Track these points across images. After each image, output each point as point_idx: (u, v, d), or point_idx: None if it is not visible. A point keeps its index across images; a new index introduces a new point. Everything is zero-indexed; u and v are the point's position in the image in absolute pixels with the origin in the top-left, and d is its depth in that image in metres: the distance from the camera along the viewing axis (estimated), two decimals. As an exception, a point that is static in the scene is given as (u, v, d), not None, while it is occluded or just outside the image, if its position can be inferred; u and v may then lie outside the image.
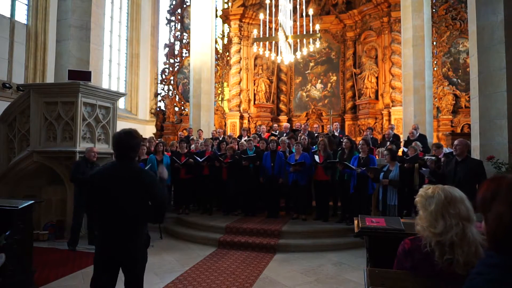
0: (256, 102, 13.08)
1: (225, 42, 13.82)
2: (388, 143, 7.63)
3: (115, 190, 2.27)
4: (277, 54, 7.60)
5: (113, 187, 2.27)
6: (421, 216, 1.62)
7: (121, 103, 14.13)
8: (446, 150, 6.33)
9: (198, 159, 7.06)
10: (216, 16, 13.19)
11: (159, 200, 2.37)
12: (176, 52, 14.54)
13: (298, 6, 8.07)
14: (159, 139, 9.05)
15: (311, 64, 13.24)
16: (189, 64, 12.60)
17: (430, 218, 1.57)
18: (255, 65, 13.24)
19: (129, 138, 2.35)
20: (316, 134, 8.72)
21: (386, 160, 5.33)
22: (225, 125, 13.10)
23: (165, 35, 15.37)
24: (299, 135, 8.01)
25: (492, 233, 1.00)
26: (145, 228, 2.41)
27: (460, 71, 11.60)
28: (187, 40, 14.00)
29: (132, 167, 2.36)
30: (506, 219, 0.96)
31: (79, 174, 5.33)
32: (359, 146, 6.04)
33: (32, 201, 3.84)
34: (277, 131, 9.52)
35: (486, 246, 1.48)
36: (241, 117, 12.88)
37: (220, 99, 13.86)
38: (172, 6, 14.76)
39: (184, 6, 14.59)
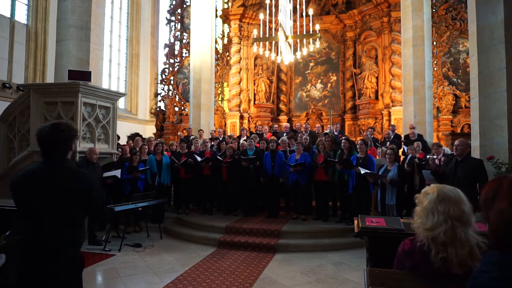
0: (256, 102, 13.08)
1: (225, 42, 13.82)
2: (388, 143, 7.63)
3: (40, 197, 1.83)
4: (277, 54, 7.59)
5: (37, 193, 1.84)
6: (417, 211, 1.68)
7: (121, 103, 14.14)
8: (446, 150, 6.33)
9: (198, 158, 7.06)
10: (216, 16, 13.19)
11: (96, 205, 1.97)
12: (176, 52, 14.54)
13: (298, 6, 8.07)
14: (159, 139, 9.05)
15: (311, 64, 13.24)
16: (189, 64, 12.60)
17: (422, 214, 1.64)
18: (255, 65, 13.24)
19: (54, 133, 1.90)
20: (317, 133, 8.74)
21: (389, 160, 5.33)
22: (225, 125, 13.10)
23: (165, 35, 15.38)
24: (299, 135, 8.01)
25: (494, 230, 1.01)
26: (77, 246, 1.94)
27: (460, 71, 11.60)
28: (187, 40, 14.00)
29: (61, 168, 1.91)
30: (507, 216, 0.97)
31: None
32: (358, 146, 6.04)
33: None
34: (278, 131, 9.53)
35: (484, 248, 1.51)
36: (241, 117, 12.87)
37: (220, 99, 13.86)
38: (172, 6, 14.76)
39: (184, 6, 14.59)
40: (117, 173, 6.05)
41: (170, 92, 14.48)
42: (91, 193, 1.92)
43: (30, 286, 1.81)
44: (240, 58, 13.08)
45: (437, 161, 5.65)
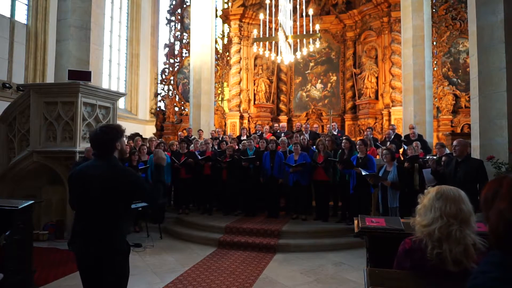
0: (256, 102, 13.08)
1: (225, 42, 13.81)
2: (388, 143, 7.63)
3: (93, 190, 2.11)
4: (277, 54, 7.59)
5: (92, 187, 2.12)
6: (418, 210, 1.71)
7: (121, 103, 14.14)
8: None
9: (198, 156, 7.06)
10: (216, 16, 13.19)
11: (149, 199, 2.26)
12: (176, 52, 14.53)
13: (298, 6, 8.07)
14: (159, 139, 9.05)
15: (311, 64, 13.23)
16: (189, 64, 12.60)
17: (421, 212, 1.67)
18: (255, 65, 13.23)
19: (103, 134, 2.19)
20: (318, 133, 8.74)
21: (386, 160, 5.32)
22: (225, 125, 13.10)
23: (165, 35, 15.38)
24: (298, 135, 8.00)
25: (494, 230, 1.01)
26: (124, 235, 2.21)
27: (460, 71, 11.59)
28: (187, 40, 13.99)
29: (113, 165, 2.18)
30: (507, 216, 0.97)
31: None
32: (357, 146, 6.03)
33: (32, 201, 3.84)
34: (278, 131, 9.53)
35: (482, 249, 1.51)
36: (241, 117, 12.87)
37: (220, 99, 13.86)
38: (172, 6, 14.76)
39: (184, 6, 14.59)
40: None
41: (170, 92, 14.48)
42: (135, 188, 2.16)
43: (86, 262, 2.12)
44: (240, 58, 13.07)
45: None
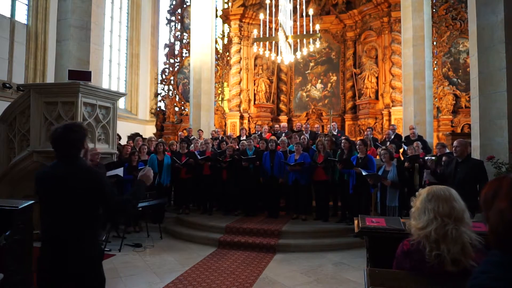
0: (256, 102, 13.08)
1: (225, 42, 13.82)
2: (388, 143, 7.63)
3: (57, 193, 1.93)
4: (277, 54, 7.59)
5: (55, 190, 1.93)
6: (412, 213, 1.72)
7: (121, 103, 14.14)
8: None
9: (198, 156, 7.07)
10: (216, 16, 13.19)
11: (109, 204, 2.01)
12: (176, 52, 14.53)
13: (298, 6, 8.07)
14: (159, 139, 9.05)
15: (311, 64, 13.24)
16: (189, 64, 12.60)
17: (415, 215, 1.68)
18: (255, 65, 13.24)
19: (70, 133, 1.98)
20: (317, 133, 8.74)
21: (384, 160, 5.32)
22: (225, 125, 13.10)
23: (165, 35, 15.37)
24: (298, 135, 8.01)
25: (494, 230, 1.01)
26: (94, 240, 2.02)
27: (460, 71, 11.59)
28: (187, 40, 14.00)
29: (80, 167, 1.98)
30: (507, 215, 0.97)
31: None
32: (357, 146, 6.03)
33: (32, 201, 3.84)
34: (278, 131, 9.53)
35: (478, 246, 1.52)
36: (241, 117, 12.87)
37: (220, 99, 13.86)
38: (172, 6, 14.76)
39: (184, 6, 14.59)
40: (120, 171, 6.05)
41: (170, 92, 14.48)
42: (103, 191, 1.97)
43: (49, 274, 1.93)
44: (240, 58, 13.08)
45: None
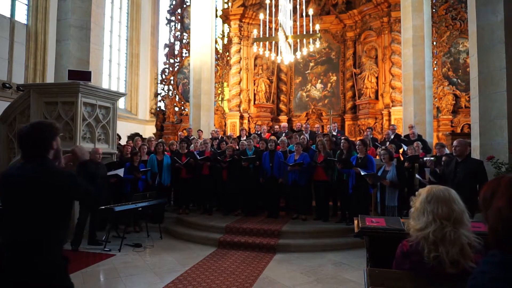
0: (256, 102, 13.08)
1: (225, 42, 13.82)
2: (388, 143, 7.63)
3: (21, 196, 1.79)
4: (277, 54, 7.59)
5: (19, 192, 1.80)
6: (411, 213, 1.71)
7: (121, 103, 14.14)
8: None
9: (197, 156, 7.07)
10: (216, 16, 13.19)
11: (89, 197, 1.96)
12: (176, 52, 14.54)
13: (298, 6, 8.07)
14: (159, 139, 9.05)
15: (311, 64, 13.24)
16: (189, 64, 12.60)
17: (414, 216, 1.67)
18: (255, 65, 13.24)
19: (38, 132, 1.86)
20: (317, 133, 8.75)
21: (384, 160, 5.33)
22: (225, 125, 13.11)
23: (165, 35, 15.38)
24: (298, 135, 8.01)
25: (493, 229, 1.01)
26: (58, 246, 1.89)
27: (460, 71, 11.60)
28: (187, 40, 14.00)
29: (45, 167, 1.84)
30: (505, 214, 0.97)
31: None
32: (357, 146, 6.03)
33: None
34: (278, 132, 9.53)
35: (478, 247, 1.51)
36: (241, 117, 12.88)
37: (220, 99, 13.86)
38: (172, 6, 14.76)
39: (184, 6, 14.59)
40: (120, 171, 6.06)
41: (170, 92, 14.48)
42: (72, 193, 1.87)
43: (12, 283, 1.74)
44: (240, 58, 13.08)
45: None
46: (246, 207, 6.91)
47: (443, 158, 5.46)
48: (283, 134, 8.71)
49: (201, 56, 10.95)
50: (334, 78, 13.02)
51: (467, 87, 10.40)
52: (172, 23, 14.70)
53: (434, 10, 11.34)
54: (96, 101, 6.38)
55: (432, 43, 10.87)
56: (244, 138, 8.39)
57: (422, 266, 1.59)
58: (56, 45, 7.11)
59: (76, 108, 6.05)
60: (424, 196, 1.65)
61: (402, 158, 7.38)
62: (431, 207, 1.60)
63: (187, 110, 13.63)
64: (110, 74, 14.38)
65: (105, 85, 11.85)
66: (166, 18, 14.84)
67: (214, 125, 11.77)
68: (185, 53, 14.27)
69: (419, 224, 1.62)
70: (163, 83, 14.62)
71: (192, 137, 9.45)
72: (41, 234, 1.79)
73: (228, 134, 10.48)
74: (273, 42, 7.84)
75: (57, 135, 1.93)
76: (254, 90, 13.14)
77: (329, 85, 13.09)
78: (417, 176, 5.94)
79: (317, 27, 7.07)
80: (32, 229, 1.77)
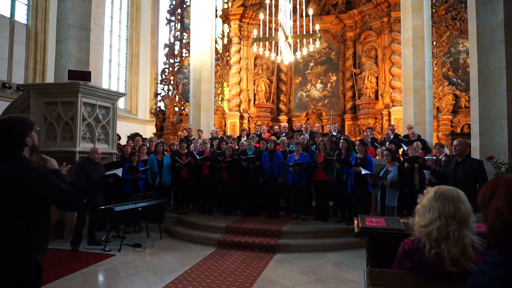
0: (256, 102, 13.09)
1: (225, 42, 13.82)
2: (388, 143, 7.63)
3: None
4: (277, 54, 7.59)
5: None
6: (417, 210, 1.71)
7: (121, 103, 14.14)
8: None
9: (197, 156, 7.08)
10: (216, 16, 13.20)
11: (68, 201, 1.85)
12: (176, 52, 14.54)
13: (298, 6, 8.07)
14: (159, 139, 9.05)
15: (311, 64, 13.24)
16: (189, 64, 12.60)
17: (420, 212, 1.67)
18: (255, 65, 13.24)
19: (8, 129, 1.73)
20: (316, 133, 8.75)
21: (386, 160, 5.32)
22: (225, 125, 13.11)
23: (165, 35, 15.38)
24: (299, 135, 8.00)
25: (492, 229, 1.01)
26: (32, 254, 1.73)
27: (460, 71, 11.60)
28: (187, 40, 14.00)
29: (20, 166, 1.72)
30: (504, 214, 0.97)
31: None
32: (356, 146, 6.02)
33: None
34: (278, 132, 9.53)
35: (481, 249, 1.51)
36: (241, 117, 12.88)
37: (220, 99, 13.87)
38: (172, 6, 14.77)
39: (184, 6, 14.60)
40: (119, 171, 6.06)
41: (170, 92, 14.49)
42: (44, 193, 1.73)
43: None
44: (240, 58, 13.08)
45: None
46: (246, 207, 6.91)
47: (443, 159, 5.46)
48: (283, 134, 8.71)
49: (201, 56, 10.95)
50: (334, 78, 13.03)
51: (467, 87, 10.40)
52: (172, 23, 14.70)
53: (434, 10, 11.35)
54: (96, 101, 6.38)
55: (432, 43, 10.88)
56: (245, 138, 8.39)
57: (423, 263, 1.59)
58: (56, 45, 7.11)
59: (76, 108, 6.05)
60: (432, 194, 1.65)
61: (402, 159, 7.37)
62: (437, 204, 1.60)
63: (187, 110, 13.64)
64: (110, 74, 14.38)
65: (105, 85, 11.85)
66: (166, 18, 14.85)
67: (214, 125, 11.77)
68: (185, 53, 14.28)
69: (424, 221, 1.61)
70: (163, 83, 14.63)
71: (192, 137, 9.45)
72: (6, 242, 1.63)
73: (228, 134, 10.48)
74: (273, 42, 7.84)
75: (30, 131, 1.80)
76: (254, 90, 13.15)
77: (329, 85, 13.09)
78: (424, 171, 5.84)
79: (317, 27, 7.07)
80: (3, 235, 1.62)
